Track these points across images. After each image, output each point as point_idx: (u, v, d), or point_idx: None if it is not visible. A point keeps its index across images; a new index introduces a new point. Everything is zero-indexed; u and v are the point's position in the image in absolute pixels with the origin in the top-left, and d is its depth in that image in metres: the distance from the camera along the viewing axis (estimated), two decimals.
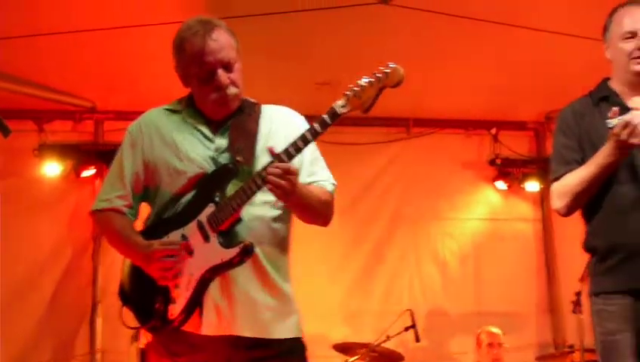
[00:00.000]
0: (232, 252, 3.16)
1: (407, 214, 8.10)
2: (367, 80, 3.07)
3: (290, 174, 3.07)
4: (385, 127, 8.06)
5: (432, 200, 8.18)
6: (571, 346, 6.90)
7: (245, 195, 3.15)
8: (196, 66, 3.26)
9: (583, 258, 6.85)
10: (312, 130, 3.11)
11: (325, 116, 3.10)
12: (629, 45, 3.60)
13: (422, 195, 8.14)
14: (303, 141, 3.11)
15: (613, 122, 3.40)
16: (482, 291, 8.01)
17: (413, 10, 5.69)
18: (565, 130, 3.73)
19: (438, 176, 8.17)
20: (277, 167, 3.06)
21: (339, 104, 3.09)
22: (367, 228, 8.04)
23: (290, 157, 3.10)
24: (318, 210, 3.34)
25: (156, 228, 3.33)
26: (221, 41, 3.26)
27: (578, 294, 6.73)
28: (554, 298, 8.07)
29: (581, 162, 3.60)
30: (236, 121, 3.36)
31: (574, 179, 3.58)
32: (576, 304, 6.73)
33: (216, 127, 3.36)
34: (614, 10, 3.73)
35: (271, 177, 3.05)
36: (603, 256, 3.60)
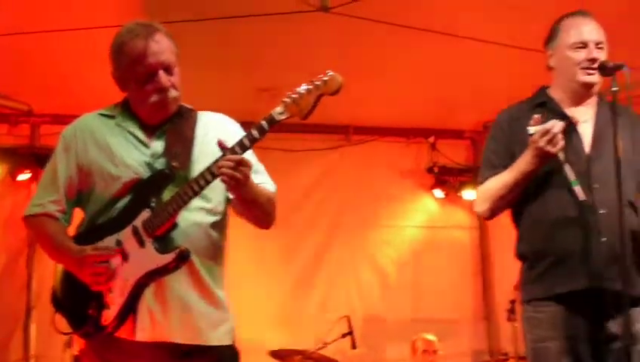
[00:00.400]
0: (168, 257, 3.14)
1: (346, 221, 8.13)
2: (305, 87, 3.08)
3: (243, 165, 3.06)
4: (325, 134, 8.07)
5: (370, 208, 8.22)
6: (506, 354, 7.00)
7: (181, 200, 3.14)
8: (137, 68, 3.24)
9: (518, 266, 6.96)
10: (249, 136, 3.12)
11: (263, 122, 3.11)
12: (579, 55, 3.65)
13: (361, 202, 8.18)
14: (241, 147, 3.11)
15: (533, 129, 3.47)
16: (419, 298, 8.08)
17: (353, 18, 5.70)
18: (496, 135, 3.80)
19: (377, 184, 8.22)
20: (229, 159, 3.05)
21: (277, 111, 3.10)
22: (306, 235, 8.05)
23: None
24: (266, 208, 3.33)
25: (90, 234, 3.29)
26: (163, 44, 3.26)
27: (513, 302, 6.82)
28: (489, 305, 8.17)
29: (507, 167, 3.65)
30: (172, 126, 3.35)
31: (496, 183, 3.64)
32: (511, 311, 6.83)
33: (152, 131, 3.34)
34: (561, 19, 3.77)
35: (224, 169, 3.04)
36: (532, 262, 3.65)
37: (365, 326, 7.75)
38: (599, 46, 3.65)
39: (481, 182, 3.74)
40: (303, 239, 8.03)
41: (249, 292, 7.20)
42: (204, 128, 3.38)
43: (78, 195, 3.37)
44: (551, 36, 3.78)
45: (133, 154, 3.30)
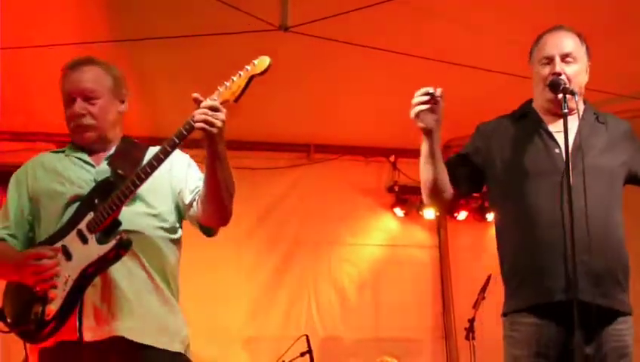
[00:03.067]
0: (108, 246, 3.20)
1: (307, 239, 8.12)
2: (238, 73, 3.20)
3: (217, 111, 3.15)
4: (286, 152, 8.09)
5: (331, 226, 8.22)
6: None
7: (123, 195, 3.21)
8: (62, 94, 3.46)
9: (477, 285, 7.05)
10: (185, 125, 3.20)
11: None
12: (545, 70, 3.67)
13: (322, 221, 8.18)
14: (186, 130, 3.19)
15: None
16: (379, 317, 8.08)
17: (313, 37, 5.73)
18: (473, 137, 3.83)
19: (338, 202, 8.23)
20: (205, 106, 3.16)
21: (212, 97, 3.20)
22: (268, 253, 8.03)
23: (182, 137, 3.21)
24: (231, 184, 3.35)
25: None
26: (88, 75, 3.45)
27: (471, 321, 6.88)
28: (448, 324, 8.19)
29: (461, 163, 3.74)
30: (120, 151, 3.48)
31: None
32: (469, 330, 6.87)
33: (100, 157, 3.47)
34: (539, 37, 3.79)
35: (200, 116, 3.13)
36: (509, 276, 3.66)
37: (325, 345, 7.75)
38: (567, 59, 3.65)
39: None
40: (263, 257, 8.01)
41: (209, 310, 7.19)
42: (152, 155, 3.40)
43: (31, 223, 3.47)
44: (530, 53, 3.81)
45: (79, 172, 3.43)
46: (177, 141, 3.20)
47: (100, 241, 3.22)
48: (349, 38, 5.86)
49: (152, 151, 3.40)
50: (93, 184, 3.35)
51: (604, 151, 3.64)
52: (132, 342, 3.24)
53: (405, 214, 8.33)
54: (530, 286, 3.55)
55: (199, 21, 5.74)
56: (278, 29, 5.68)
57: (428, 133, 3.54)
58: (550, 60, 3.67)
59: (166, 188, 3.46)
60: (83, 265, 3.21)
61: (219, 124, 3.14)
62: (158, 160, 3.21)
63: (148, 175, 3.21)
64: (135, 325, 3.25)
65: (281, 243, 8.09)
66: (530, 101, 3.85)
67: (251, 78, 3.17)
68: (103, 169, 3.40)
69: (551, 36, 3.73)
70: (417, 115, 3.50)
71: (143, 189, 3.27)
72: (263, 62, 3.18)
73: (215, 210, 3.38)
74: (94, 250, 3.21)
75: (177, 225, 3.50)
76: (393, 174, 8.38)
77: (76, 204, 3.33)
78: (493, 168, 3.73)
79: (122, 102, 3.55)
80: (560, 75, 3.61)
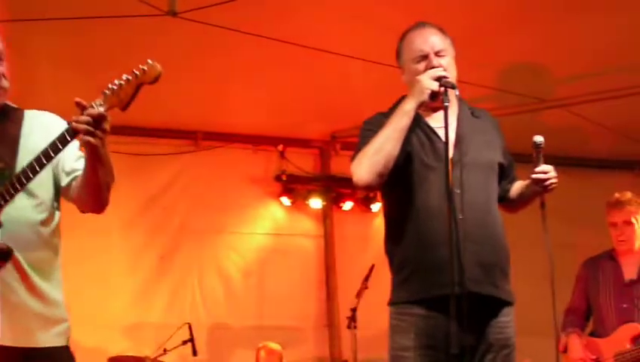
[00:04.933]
0: None
1: (193, 227, 8.06)
2: (125, 77, 3.04)
3: (104, 120, 3.00)
4: (174, 138, 8.01)
5: (218, 214, 8.19)
6: (346, 361, 7.10)
7: (3, 199, 3.07)
8: None
9: (361, 275, 7.12)
10: (68, 130, 3.06)
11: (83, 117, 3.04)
12: (421, 67, 3.69)
13: (209, 209, 8.14)
14: (65, 138, 3.06)
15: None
16: (264, 305, 8.10)
17: (201, 24, 5.69)
18: (371, 132, 3.73)
19: (226, 190, 8.20)
20: (89, 114, 2.97)
21: (97, 102, 3.03)
22: (152, 240, 7.95)
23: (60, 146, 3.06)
24: (110, 178, 3.24)
25: None
26: None
27: (353, 310, 6.95)
28: (332, 313, 8.26)
29: None
30: None
31: (372, 143, 3.62)
32: (351, 319, 6.95)
33: None
34: (404, 35, 3.83)
35: (82, 125, 2.97)
36: (399, 266, 3.66)
37: (209, 333, 7.75)
38: (440, 54, 3.70)
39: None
40: (148, 244, 7.92)
41: (92, 297, 7.08)
42: (29, 127, 3.31)
43: None
44: (398, 53, 3.84)
45: None
46: (60, 147, 3.06)
47: None
48: (238, 25, 5.84)
49: (27, 120, 3.31)
50: None
51: (482, 146, 3.71)
52: (10, 347, 3.13)
53: (292, 203, 8.36)
54: (421, 278, 3.56)
55: (89, 3, 5.63)
56: (166, 15, 5.62)
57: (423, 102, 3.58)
58: (425, 57, 3.71)
59: (47, 172, 3.29)
60: None
61: (101, 135, 3.02)
62: (41, 165, 3.06)
63: (28, 181, 3.07)
64: (17, 329, 3.14)
65: (168, 230, 8.01)
66: (404, 98, 3.84)
67: (140, 86, 3.04)
68: None
69: (419, 34, 3.78)
70: (439, 78, 3.54)
71: None
72: (153, 69, 3.03)
73: (92, 202, 3.30)
74: None
75: (56, 209, 3.40)
76: (281, 163, 8.39)
77: None
78: None
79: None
80: (438, 68, 3.66)
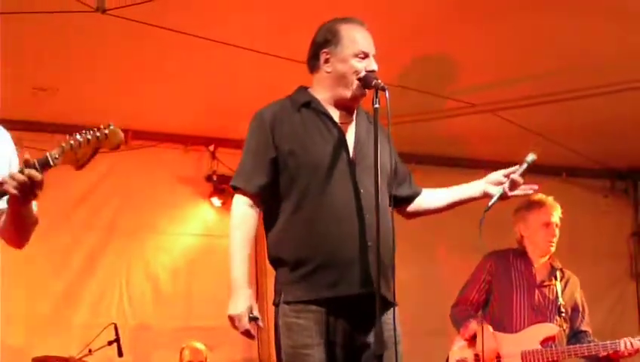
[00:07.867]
0: None
1: (122, 227, 7.98)
2: (86, 136, 3.02)
3: (40, 185, 2.98)
4: None
5: (147, 214, 8.12)
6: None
7: None
8: None
9: None
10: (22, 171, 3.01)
11: (36, 162, 3.02)
12: (361, 65, 3.71)
13: (138, 208, 8.06)
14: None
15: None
16: (192, 306, 8.05)
17: (131, 21, 5.64)
18: (260, 135, 3.84)
19: (156, 190, 8.13)
20: (29, 176, 2.95)
21: (53, 154, 3.01)
22: (80, 240, 7.85)
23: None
24: (32, 227, 3.24)
25: None
26: None
27: None
28: (262, 314, 8.13)
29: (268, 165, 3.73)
30: None
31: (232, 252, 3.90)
32: None
33: None
34: (339, 25, 3.80)
35: (19, 185, 2.94)
36: (295, 264, 3.66)
37: (135, 333, 7.66)
38: (374, 56, 3.75)
39: (238, 189, 3.86)
40: (76, 243, 7.82)
41: (16, 297, 6.96)
42: None
43: None
44: (330, 39, 3.78)
45: None
46: None
47: None
48: (168, 23, 5.78)
49: None
50: None
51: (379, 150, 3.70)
52: None
53: (222, 204, 8.31)
54: (323, 277, 3.59)
55: None
56: (95, 11, 5.55)
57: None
58: (366, 56, 3.73)
59: None
60: None
61: (32, 198, 3.03)
62: None
63: None
64: None
65: (95, 230, 7.92)
66: (305, 89, 3.87)
67: (98, 150, 3.03)
68: None
69: (360, 31, 3.79)
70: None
71: None
72: (115, 136, 3.05)
73: (16, 242, 3.31)
74: None
75: None
76: (212, 164, 8.34)
77: None
78: (282, 157, 3.73)
79: None
80: (374, 72, 3.71)
